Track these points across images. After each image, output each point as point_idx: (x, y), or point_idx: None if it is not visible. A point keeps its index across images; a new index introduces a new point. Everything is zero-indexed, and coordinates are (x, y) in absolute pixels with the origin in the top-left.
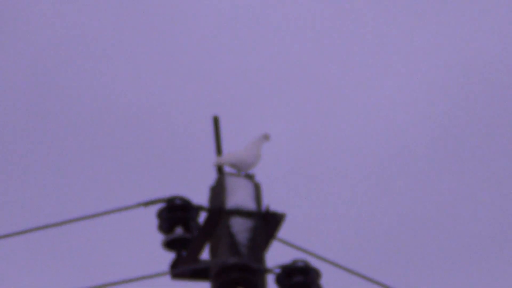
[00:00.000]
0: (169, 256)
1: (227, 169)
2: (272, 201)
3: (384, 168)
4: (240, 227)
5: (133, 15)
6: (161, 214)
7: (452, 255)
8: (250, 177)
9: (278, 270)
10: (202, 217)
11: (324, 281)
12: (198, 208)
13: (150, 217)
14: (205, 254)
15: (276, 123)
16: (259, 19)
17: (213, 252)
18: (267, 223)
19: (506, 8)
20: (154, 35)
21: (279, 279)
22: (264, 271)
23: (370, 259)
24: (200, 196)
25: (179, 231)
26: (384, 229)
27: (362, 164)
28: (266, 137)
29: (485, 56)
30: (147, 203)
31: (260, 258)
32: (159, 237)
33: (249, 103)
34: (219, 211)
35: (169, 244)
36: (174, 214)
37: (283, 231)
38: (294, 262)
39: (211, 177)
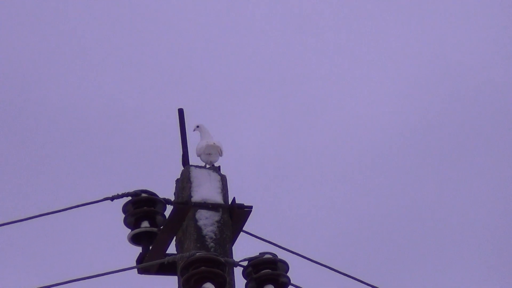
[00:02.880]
0: (136, 251)
1: (192, 161)
2: (238, 194)
3: (356, 165)
4: (206, 220)
5: (106, 15)
6: (127, 208)
7: (424, 248)
8: (215, 169)
9: (245, 263)
10: (168, 210)
11: (291, 273)
12: (164, 202)
13: (116, 211)
14: (172, 248)
15: (251, 122)
16: (238, 20)
17: (180, 246)
18: (234, 216)
19: (482, 16)
20: (126, 38)
21: (247, 272)
22: (231, 264)
23: (339, 252)
24: (166, 190)
25: (145, 225)
26: (354, 225)
27: (335, 162)
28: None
29: (461, 57)
30: (113, 197)
31: (227, 251)
32: (126, 232)
33: (222, 102)
34: (185, 204)
35: (135, 238)
36: (140, 208)
37: (250, 224)
38: (262, 255)
39: (177, 170)
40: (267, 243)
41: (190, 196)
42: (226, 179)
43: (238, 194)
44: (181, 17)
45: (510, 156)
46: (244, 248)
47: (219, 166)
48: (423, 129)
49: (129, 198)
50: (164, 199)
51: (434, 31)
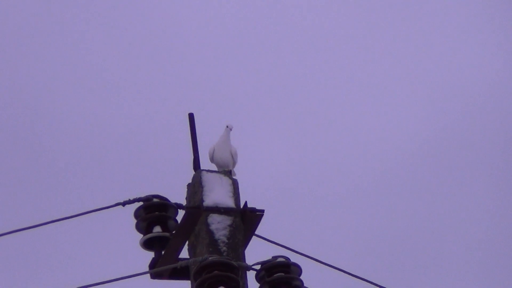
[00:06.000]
0: (148, 256)
1: (204, 166)
2: (253, 200)
3: (368, 176)
4: (218, 225)
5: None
6: (138, 214)
7: (431, 255)
8: (227, 173)
9: (258, 267)
10: (180, 215)
11: (304, 276)
12: (176, 207)
13: (128, 217)
14: (184, 253)
15: (269, 130)
16: (257, 35)
17: (192, 251)
18: (246, 220)
19: (489, 44)
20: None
21: (260, 276)
22: (244, 267)
23: (351, 256)
24: (178, 195)
25: (157, 230)
26: (366, 229)
27: (348, 173)
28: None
29: (472, 79)
30: (124, 203)
31: (239, 255)
32: (138, 237)
33: (239, 109)
34: (197, 209)
35: (147, 244)
36: (152, 213)
37: (263, 229)
38: (275, 258)
39: (189, 175)
40: (279, 247)
41: (202, 201)
42: (237, 183)
43: (253, 200)
44: (200, 28)
45: None
46: (256, 252)
47: (231, 170)
48: (434, 148)
49: (141, 203)
50: (176, 204)
51: (447, 52)
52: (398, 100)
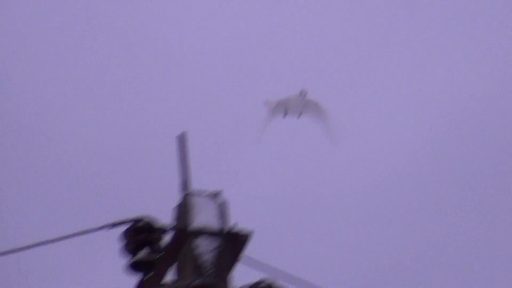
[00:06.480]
0: (136, 278)
1: (193, 187)
2: (242, 219)
3: (364, 198)
4: (205, 247)
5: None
6: (126, 236)
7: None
8: (215, 195)
9: None
10: (168, 237)
11: None
12: (163, 229)
13: (115, 239)
14: (172, 275)
15: (265, 149)
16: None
17: (179, 273)
18: (233, 243)
19: (488, 64)
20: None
21: None
22: None
23: (345, 278)
24: (166, 216)
25: (144, 252)
26: (362, 251)
27: (344, 195)
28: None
29: (474, 99)
30: (112, 225)
31: (226, 278)
32: (125, 259)
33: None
34: (184, 231)
35: (134, 266)
36: (139, 235)
37: (253, 249)
38: (260, 281)
39: (177, 196)
40: (267, 269)
41: (190, 223)
42: (225, 205)
43: (245, 220)
44: (190, 46)
45: None
46: (247, 274)
47: (219, 192)
48: (432, 166)
49: (128, 225)
50: (164, 225)
51: (449, 62)
52: (400, 111)
